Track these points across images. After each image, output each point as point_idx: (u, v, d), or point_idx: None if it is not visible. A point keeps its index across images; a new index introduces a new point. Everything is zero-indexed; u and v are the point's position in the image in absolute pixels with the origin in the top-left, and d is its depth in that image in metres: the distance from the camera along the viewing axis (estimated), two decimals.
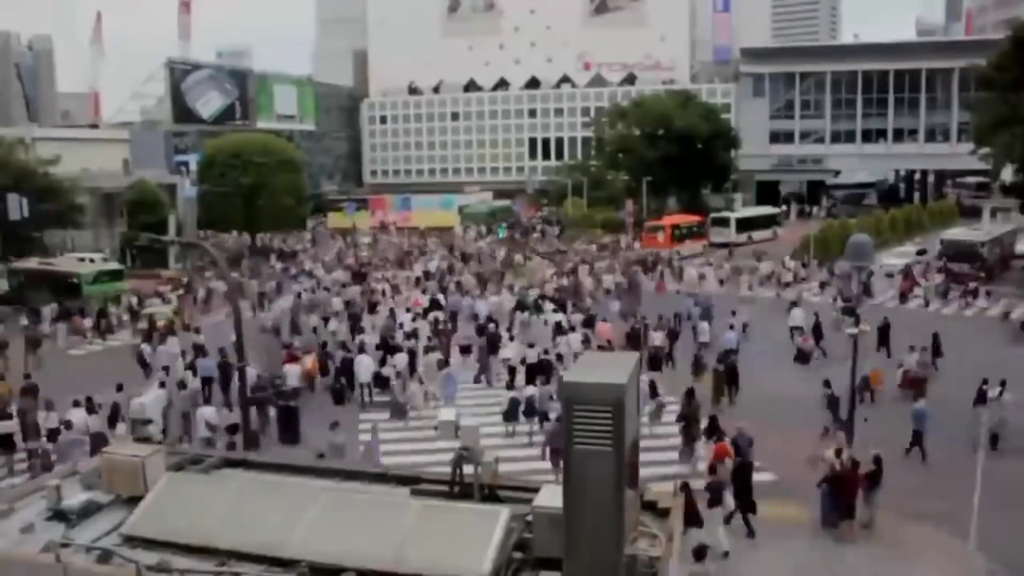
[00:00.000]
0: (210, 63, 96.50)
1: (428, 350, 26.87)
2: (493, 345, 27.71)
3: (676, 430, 20.03)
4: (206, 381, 24.43)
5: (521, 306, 34.02)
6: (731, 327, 29.19)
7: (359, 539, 6.60)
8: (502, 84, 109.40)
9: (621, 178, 74.23)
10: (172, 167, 76.35)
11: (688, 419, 19.66)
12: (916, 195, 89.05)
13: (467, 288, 39.53)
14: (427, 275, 45.87)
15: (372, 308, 36.11)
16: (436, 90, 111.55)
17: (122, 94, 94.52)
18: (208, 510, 7.14)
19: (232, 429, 18.73)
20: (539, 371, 24.53)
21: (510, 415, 21.90)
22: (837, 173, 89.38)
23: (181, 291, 42.48)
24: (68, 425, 19.31)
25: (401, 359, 25.74)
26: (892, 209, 66.87)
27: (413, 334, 29.22)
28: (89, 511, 7.51)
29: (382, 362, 25.69)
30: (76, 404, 20.59)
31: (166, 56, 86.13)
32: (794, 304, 33.17)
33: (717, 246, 58.46)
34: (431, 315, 32.90)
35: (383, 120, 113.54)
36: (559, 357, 25.69)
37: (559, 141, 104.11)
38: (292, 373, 24.43)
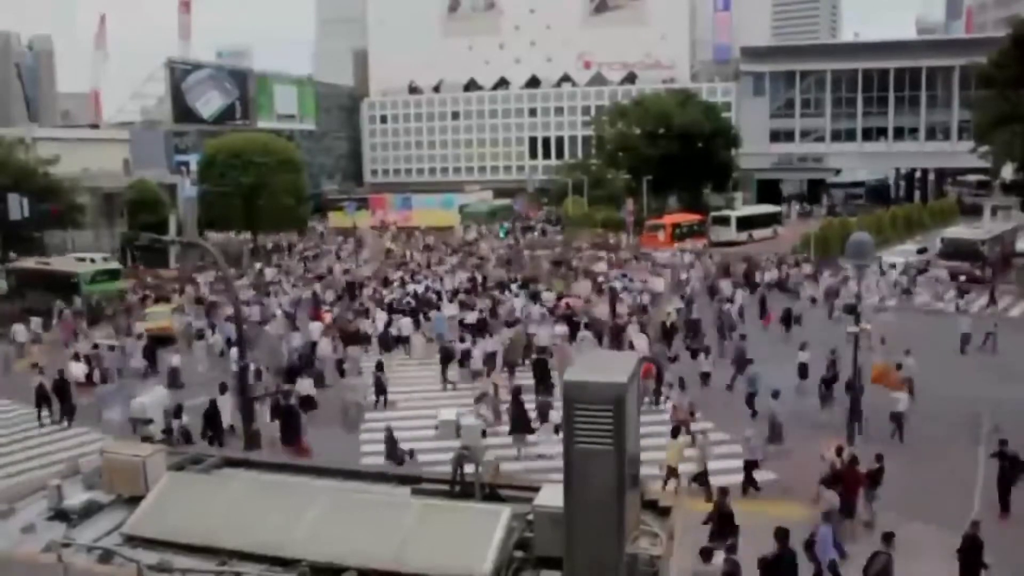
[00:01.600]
0: (210, 63, 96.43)
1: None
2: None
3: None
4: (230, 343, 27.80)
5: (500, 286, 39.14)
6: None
7: (360, 539, 6.60)
8: (502, 83, 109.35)
9: (621, 177, 74.23)
10: (172, 167, 76.34)
11: None
12: (917, 193, 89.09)
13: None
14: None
15: (354, 339, 29.56)
16: (436, 89, 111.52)
17: (122, 94, 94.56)
18: (209, 510, 7.14)
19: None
20: (479, 328, 30.00)
21: (446, 361, 26.67)
22: (838, 172, 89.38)
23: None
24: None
25: (406, 322, 31.62)
26: (881, 208, 66.91)
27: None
28: (90, 511, 7.52)
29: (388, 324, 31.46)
30: (76, 358, 27.41)
31: (166, 56, 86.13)
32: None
33: (717, 245, 58.50)
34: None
35: (383, 120, 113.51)
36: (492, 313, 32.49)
37: (559, 140, 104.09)
38: (316, 328, 30.31)
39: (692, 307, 34.02)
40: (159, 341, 31.17)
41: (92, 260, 46.15)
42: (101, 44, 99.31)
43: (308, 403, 22.94)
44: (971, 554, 13.10)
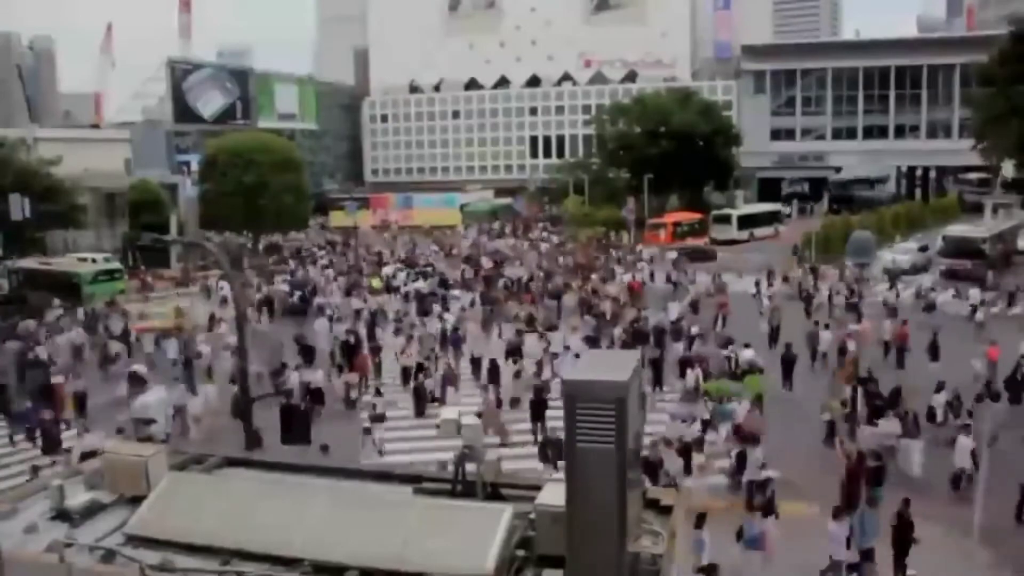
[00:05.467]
0: (211, 63, 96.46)
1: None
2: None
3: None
4: None
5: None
6: None
7: (362, 538, 6.60)
8: (503, 82, 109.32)
9: (622, 176, 74.24)
10: (174, 167, 76.41)
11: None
12: (918, 191, 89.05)
13: None
14: None
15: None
16: (437, 88, 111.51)
17: (123, 94, 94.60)
18: (211, 509, 7.15)
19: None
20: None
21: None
22: (838, 169, 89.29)
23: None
24: None
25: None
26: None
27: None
28: (92, 511, 7.52)
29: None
30: None
31: (167, 56, 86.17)
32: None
33: (719, 243, 58.49)
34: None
35: (384, 119, 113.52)
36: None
37: (560, 139, 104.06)
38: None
39: None
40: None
41: (93, 260, 46.16)
42: (107, 50, 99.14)
43: (316, 396, 23.25)
44: (901, 531, 13.49)
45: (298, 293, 40.01)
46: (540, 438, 20.02)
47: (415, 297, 38.61)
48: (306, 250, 61.57)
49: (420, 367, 25.25)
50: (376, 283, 42.34)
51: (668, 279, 43.36)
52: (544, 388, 22.00)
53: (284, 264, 54.70)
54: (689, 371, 24.37)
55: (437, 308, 35.32)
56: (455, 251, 57.59)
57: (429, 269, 47.23)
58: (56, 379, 24.34)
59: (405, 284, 42.49)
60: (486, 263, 49.05)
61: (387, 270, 47.21)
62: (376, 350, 28.23)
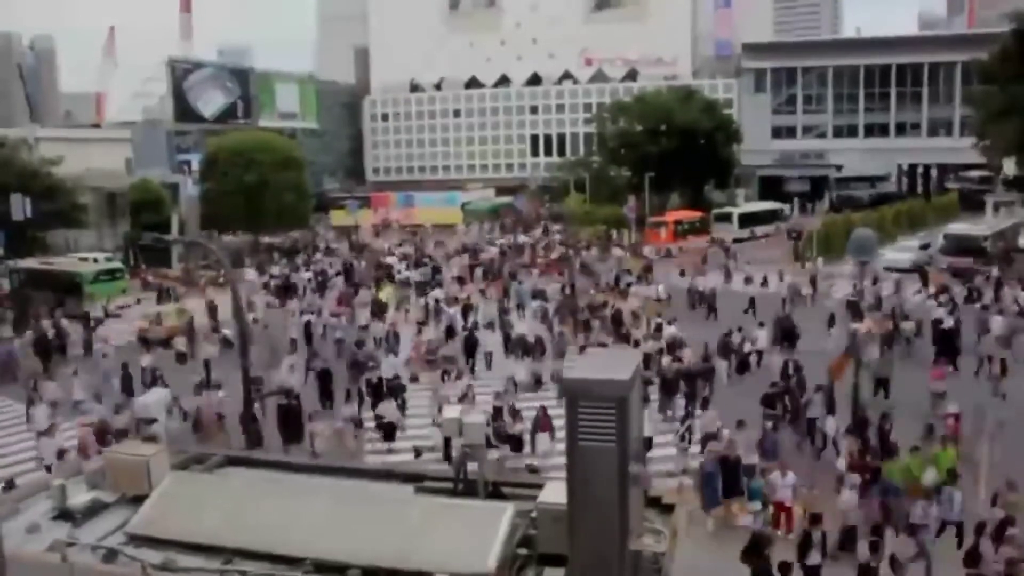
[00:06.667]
0: (212, 62, 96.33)
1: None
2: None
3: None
4: None
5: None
6: None
7: (364, 536, 6.60)
8: (504, 81, 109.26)
9: (623, 174, 74.15)
10: (174, 166, 76.34)
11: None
12: (919, 189, 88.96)
13: None
14: None
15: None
16: (438, 87, 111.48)
17: (124, 94, 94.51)
18: (212, 508, 7.15)
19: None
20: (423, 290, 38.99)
21: None
22: (839, 167, 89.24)
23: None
24: None
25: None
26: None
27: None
28: (94, 510, 7.53)
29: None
30: None
31: (167, 55, 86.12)
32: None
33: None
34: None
35: (385, 117, 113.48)
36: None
37: (561, 137, 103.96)
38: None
39: None
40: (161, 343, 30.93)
41: (95, 260, 46.18)
42: (110, 53, 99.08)
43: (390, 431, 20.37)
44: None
45: (318, 279, 43.91)
46: None
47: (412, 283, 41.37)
48: (309, 247, 62.21)
49: (513, 411, 19.51)
50: (385, 294, 36.84)
51: (748, 280, 38.29)
52: None
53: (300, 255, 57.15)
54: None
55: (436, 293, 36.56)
56: (452, 247, 58.30)
57: (426, 260, 48.82)
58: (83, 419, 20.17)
59: (399, 273, 44.69)
60: (484, 257, 49.88)
61: (389, 260, 49.60)
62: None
